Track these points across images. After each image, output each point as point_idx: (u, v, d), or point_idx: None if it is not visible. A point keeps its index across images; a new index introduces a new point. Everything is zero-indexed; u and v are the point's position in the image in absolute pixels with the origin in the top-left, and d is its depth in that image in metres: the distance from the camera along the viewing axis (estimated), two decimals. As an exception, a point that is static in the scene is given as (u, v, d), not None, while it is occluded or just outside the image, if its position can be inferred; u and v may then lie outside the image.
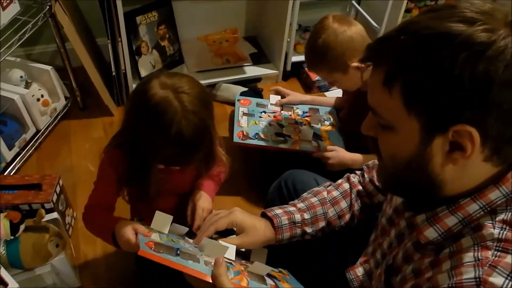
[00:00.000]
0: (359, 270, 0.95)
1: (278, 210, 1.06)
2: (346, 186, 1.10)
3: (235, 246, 1.01)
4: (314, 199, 1.09)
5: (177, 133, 0.97)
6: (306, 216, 1.06)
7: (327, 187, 1.12)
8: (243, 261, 1.02)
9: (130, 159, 1.08)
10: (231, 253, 0.99)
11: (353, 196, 1.08)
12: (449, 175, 0.67)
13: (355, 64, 1.44)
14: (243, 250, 1.07)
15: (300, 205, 1.08)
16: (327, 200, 1.08)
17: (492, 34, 0.58)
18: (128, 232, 0.98)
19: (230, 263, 0.92)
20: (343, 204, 1.07)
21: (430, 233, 0.71)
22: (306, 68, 2.38)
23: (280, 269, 1.06)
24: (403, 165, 0.69)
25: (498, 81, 0.57)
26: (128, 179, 1.11)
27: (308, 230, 1.05)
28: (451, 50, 0.58)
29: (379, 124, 0.70)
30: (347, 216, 1.07)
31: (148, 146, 1.03)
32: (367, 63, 0.72)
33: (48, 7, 1.81)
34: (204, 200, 1.17)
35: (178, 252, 0.89)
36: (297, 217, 1.05)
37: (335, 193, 1.09)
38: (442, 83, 0.59)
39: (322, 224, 1.06)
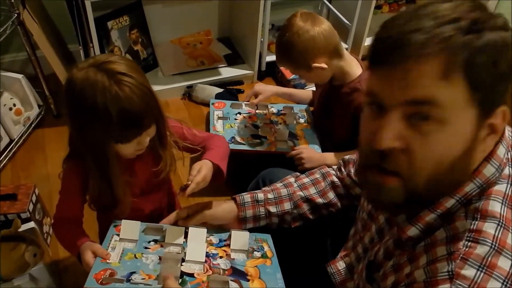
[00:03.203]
0: (340, 264, 0.96)
1: (243, 193, 1.10)
2: (318, 175, 1.12)
3: (205, 230, 1.04)
4: (279, 184, 1.12)
5: (114, 102, 0.90)
6: (270, 196, 1.08)
7: (297, 176, 1.14)
8: (224, 242, 1.05)
9: (86, 165, 1.04)
10: (201, 238, 1.02)
11: (326, 184, 1.10)
12: (478, 161, 0.67)
13: (317, 64, 1.47)
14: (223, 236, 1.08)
15: (266, 188, 1.11)
16: (294, 185, 1.10)
17: None
18: (88, 256, 0.96)
19: (191, 276, 0.93)
20: (312, 190, 1.09)
21: (412, 232, 0.72)
22: (280, 67, 2.42)
23: (263, 237, 1.08)
24: (445, 168, 0.64)
25: None
26: (91, 186, 1.07)
27: (272, 210, 1.07)
28: (505, 32, 0.60)
29: (423, 122, 0.63)
30: (318, 201, 1.08)
31: (94, 135, 0.96)
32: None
33: (16, 15, 1.79)
34: (202, 172, 1.06)
35: (130, 278, 0.89)
36: (260, 196, 1.08)
37: (305, 180, 1.11)
38: (502, 65, 0.60)
39: (287, 205, 1.07)
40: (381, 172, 0.67)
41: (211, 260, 0.98)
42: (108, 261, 0.93)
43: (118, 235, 1.00)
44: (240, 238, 1.05)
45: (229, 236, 1.05)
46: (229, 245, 1.04)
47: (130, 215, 1.08)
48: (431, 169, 0.64)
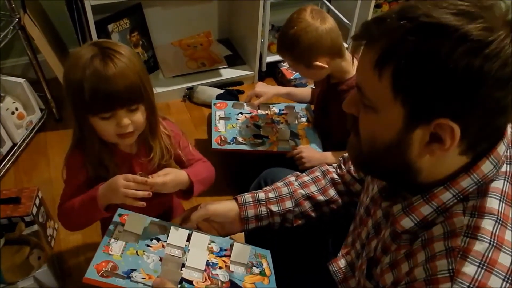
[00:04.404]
0: (342, 262, 0.96)
1: (244, 193, 1.11)
2: (318, 173, 1.12)
3: (208, 237, 1.04)
4: (280, 183, 1.12)
5: (95, 71, 0.94)
6: (271, 195, 1.08)
7: (297, 175, 1.15)
8: (225, 252, 1.04)
9: (84, 152, 1.07)
10: (203, 244, 1.02)
11: (326, 181, 1.10)
12: (425, 164, 0.67)
13: (318, 63, 1.47)
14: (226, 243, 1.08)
15: (267, 188, 1.12)
16: (295, 184, 1.10)
17: (491, 34, 0.58)
18: (119, 179, 0.98)
19: (190, 283, 0.93)
20: (313, 188, 1.09)
21: (406, 223, 0.72)
22: (281, 68, 2.43)
23: (263, 253, 1.08)
24: (381, 148, 0.69)
25: (490, 79, 0.58)
26: (92, 173, 1.08)
27: (274, 208, 1.07)
28: (449, 43, 0.58)
29: (362, 103, 0.69)
30: (319, 198, 1.08)
31: (76, 104, 1.00)
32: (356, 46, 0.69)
33: (17, 19, 1.80)
34: (167, 177, 1.07)
35: (130, 275, 0.89)
36: (261, 195, 1.08)
37: (305, 178, 1.12)
38: (434, 74, 0.59)
39: (289, 203, 1.08)
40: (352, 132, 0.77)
41: (211, 269, 0.98)
42: (110, 252, 0.92)
43: (122, 225, 1.00)
44: (241, 251, 1.04)
45: (231, 246, 1.05)
46: (229, 256, 1.03)
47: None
48: (367, 143, 0.72)
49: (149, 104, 1.05)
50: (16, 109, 1.90)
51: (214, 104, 1.88)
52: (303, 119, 1.81)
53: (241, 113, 1.83)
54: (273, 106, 1.87)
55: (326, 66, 1.47)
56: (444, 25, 0.58)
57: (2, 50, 1.77)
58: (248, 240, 1.19)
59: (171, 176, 1.07)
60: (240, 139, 1.70)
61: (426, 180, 0.70)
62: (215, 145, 1.68)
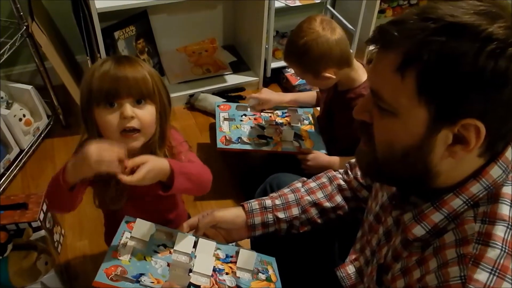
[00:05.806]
0: (350, 268, 0.96)
1: (251, 200, 1.11)
2: (325, 179, 1.13)
3: (214, 243, 1.04)
4: (286, 190, 1.12)
5: (105, 70, 0.97)
6: (278, 202, 1.09)
7: (304, 181, 1.15)
8: (231, 259, 1.05)
9: None
10: (210, 250, 1.02)
11: (333, 188, 1.10)
12: (445, 167, 0.67)
13: (327, 74, 1.47)
14: (231, 246, 1.08)
15: (274, 194, 1.12)
16: (301, 190, 1.10)
17: None
18: (92, 147, 0.89)
19: (197, 287, 0.93)
20: (320, 194, 1.09)
21: (418, 231, 0.72)
22: (286, 74, 2.43)
23: (268, 260, 1.08)
24: (399, 154, 0.68)
25: None
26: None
27: (281, 215, 1.07)
28: (476, 43, 0.58)
29: (379, 108, 0.68)
30: (326, 205, 1.08)
31: (83, 99, 1.01)
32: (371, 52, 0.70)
33: (25, 27, 1.82)
34: (141, 172, 0.95)
35: (139, 279, 0.89)
36: (268, 202, 1.08)
37: (312, 185, 1.12)
38: (463, 74, 0.59)
39: (295, 210, 1.08)
40: (362, 139, 0.76)
41: (217, 275, 0.98)
42: (119, 257, 0.93)
43: (130, 232, 1.00)
44: (247, 257, 1.04)
45: (236, 253, 1.05)
46: (235, 262, 1.03)
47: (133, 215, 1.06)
48: (384, 149, 0.70)
49: (162, 108, 1.06)
50: (24, 115, 1.91)
51: (218, 106, 1.90)
52: (306, 122, 1.82)
53: (245, 115, 1.85)
54: (276, 109, 1.88)
55: (334, 76, 1.48)
56: (470, 25, 0.58)
57: (10, 57, 1.79)
58: (254, 246, 1.20)
59: (148, 166, 0.95)
60: (245, 139, 1.72)
61: (443, 185, 0.69)
62: (220, 144, 1.69)
